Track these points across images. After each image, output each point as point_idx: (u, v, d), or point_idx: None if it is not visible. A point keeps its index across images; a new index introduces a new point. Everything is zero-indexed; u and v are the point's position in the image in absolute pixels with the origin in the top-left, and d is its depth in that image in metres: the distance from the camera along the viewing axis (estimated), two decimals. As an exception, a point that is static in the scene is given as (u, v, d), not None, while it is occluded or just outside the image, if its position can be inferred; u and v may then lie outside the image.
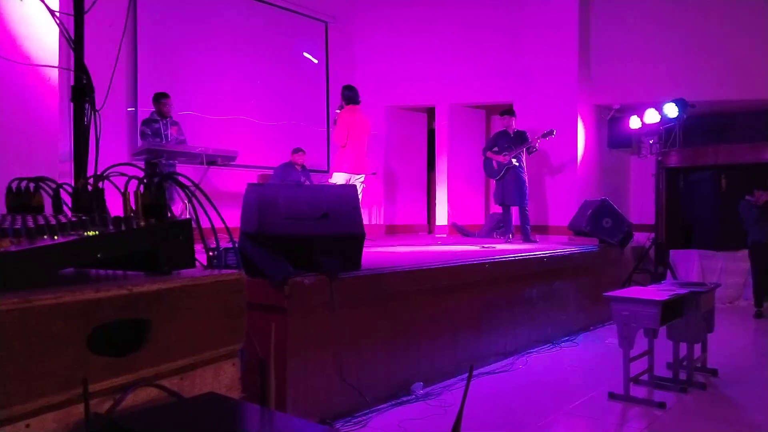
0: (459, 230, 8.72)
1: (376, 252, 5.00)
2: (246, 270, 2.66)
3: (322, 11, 9.06)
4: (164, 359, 1.26)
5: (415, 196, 10.01)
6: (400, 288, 3.59)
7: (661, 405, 3.39)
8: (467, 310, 4.17)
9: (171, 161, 6.04)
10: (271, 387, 2.62)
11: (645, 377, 3.75)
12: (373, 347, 3.43)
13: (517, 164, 7.06)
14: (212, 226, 1.57)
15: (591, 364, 4.39)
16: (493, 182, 7.94)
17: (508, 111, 7.46)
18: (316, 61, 7.64)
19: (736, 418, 3.37)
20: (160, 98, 6.38)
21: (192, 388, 1.33)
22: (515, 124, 7.33)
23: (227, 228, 1.74)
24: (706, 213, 7.42)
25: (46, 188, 1.57)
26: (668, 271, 7.06)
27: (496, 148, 7.22)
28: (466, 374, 3.81)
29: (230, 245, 1.90)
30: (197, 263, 1.49)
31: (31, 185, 1.55)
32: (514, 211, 7.29)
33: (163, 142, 6.20)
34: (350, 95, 6.52)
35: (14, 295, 1.05)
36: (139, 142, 6.34)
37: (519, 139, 7.14)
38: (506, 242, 6.89)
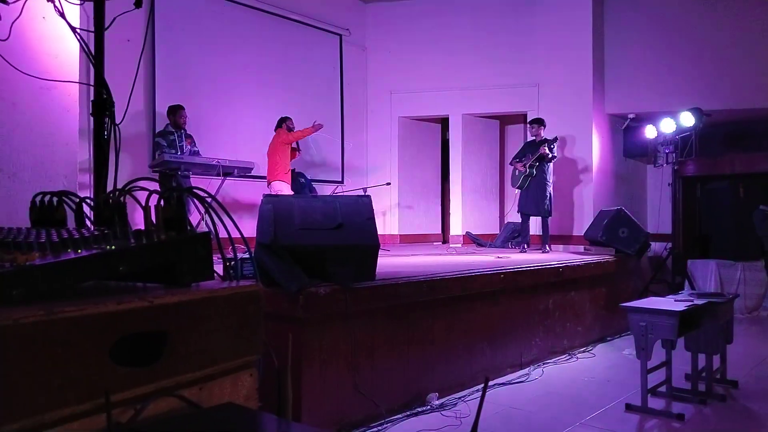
0: (473, 240, 8.70)
1: (390, 262, 5.01)
2: (262, 280, 2.69)
3: (336, 24, 9.14)
4: (184, 370, 1.28)
5: (429, 206, 10.01)
6: (414, 298, 3.60)
7: (680, 417, 3.35)
8: (482, 320, 4.17)
9: (186, 172, 6.12)
10: (288, 397, 2.63)
11: (663, 389, 3.71)
12: (388, 357, 3.44)
13: (535, 173, 7.00)
14: (230, 237, 1.60)
15: (608, 375, 4.35)
16: (507, 192, 7.93)
17: (536, 120, 7.37)
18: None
19: (758, 430, 3.32)
20: (175, 110, 6.47)
21: (210, 399, 1.34)
22: (543, 133, 7.24)
23: (244, 239, 1.76)
24: (724, 222, 7.34)
25: (69, 202, 1.61)
26: (686, 281, 6.99)
27: (524, 158, 7.18)
28: (481, 385, 3.80)
29: (247, 256, 1.92)
30: (215, 275, 1.51)
31: (54, 199, 1.59)
32: (534, 221, 7.25)
33: (179, 153, 6.28)
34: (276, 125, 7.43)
35: (39, 307, 1.08)
36: (156, 154, 6.44)
37: (538, 148, 7.09)
38: (521, 252, 6.86)
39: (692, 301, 3.73)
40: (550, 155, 7.04)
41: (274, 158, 7.17)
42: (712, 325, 3.74)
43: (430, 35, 9.27)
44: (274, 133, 7.30)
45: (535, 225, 7.46)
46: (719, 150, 8.28)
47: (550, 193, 7.06)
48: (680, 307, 3.49)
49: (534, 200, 7.00)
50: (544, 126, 7.30)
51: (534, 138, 7.24)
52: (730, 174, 7.46)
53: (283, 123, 7.31)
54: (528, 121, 7.58)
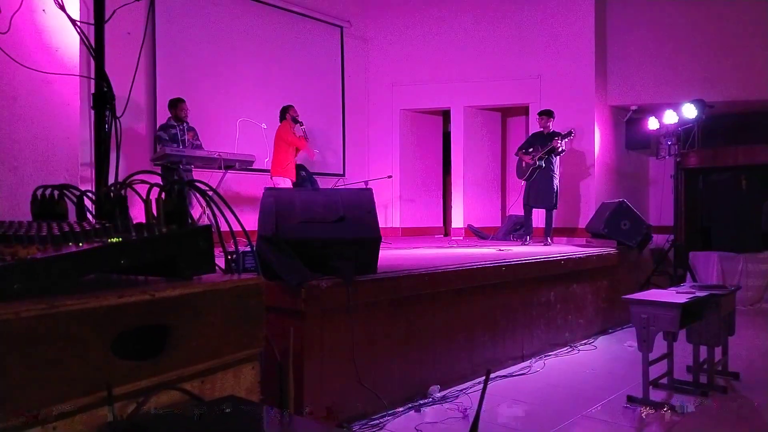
0: (475, 233, 8.69)
1: (392, 255, 5.01)
2: (263, 273, 2.69)
3: (337, 16, 9.11)
4: (186, 363, 1.28)
5: (430, 199, 10.00)
6: (416, 291, 3.60)
7: (681, 409, 3.35)
8: (484, 312, 4.17)
9: (188, 166, 6.12)
10: (289, 390, 2.64)
11: (665, 381, 3.71)
12: (390, 350, 3.44)
13: (543, 166, 6.95)
14: (231, 230, 1.60)
15: (609, 367, 4.36)
16: (509, 184, 7.90)
17: (546, 112, 7.28)
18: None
19: (759, 422, 3.32)
20: (176, 103, 6.46)
21: (212, 392, 1.35)
22: (552, 126, 7.17)
23: (245, 232, 1.76)
24: (726, 214, 7.32)
25: (70, 196, 1.61)
26: (688, 274, 6.98)
27: (531, 150, 7.13)
28: (483, 377, 3.80)
29: (248, 249, 1.92)
30: (216, 268, 1.51)
31: (56, 193, 1.59)
32: (538, 213, 7.21)
33: (181, 147, 6.27)
34: (280, 115, 7.30)
35: (41, 300, 1.08)
36: (157, 148, 6.43)
37: (548, 140, 7.04)
38: (523, 244, 6.86)
39: (694, 293, 3.72)
40: (562, 148, 6.99)
41: (275, 152, 7.13)
42: (714, 317, 3.74)
43: (431, 27, 9.23)
44: (279, 125, 7.24)
45: (537, 217, 7.43)
46: (722, 142, 8.25)
47: (556, 186, 7.03)
48: (682, 299, 3.49)
49: (541, 193, 6.95)
50: (553, 118, 7.23)
51: (542, 130, 7.18)
52: (733, 166, 7.43)
53: (287, 113, 7.20)
54: (537, 112, 7.50)
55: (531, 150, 7.11)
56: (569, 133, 7.00)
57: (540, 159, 6.93)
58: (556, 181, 7.03)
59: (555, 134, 7.06)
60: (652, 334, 3.45)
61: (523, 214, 7.38)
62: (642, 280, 6.48)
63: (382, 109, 9.58)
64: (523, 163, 7.13)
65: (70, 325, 1.09)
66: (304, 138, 7.22)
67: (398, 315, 3.51)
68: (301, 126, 7.24)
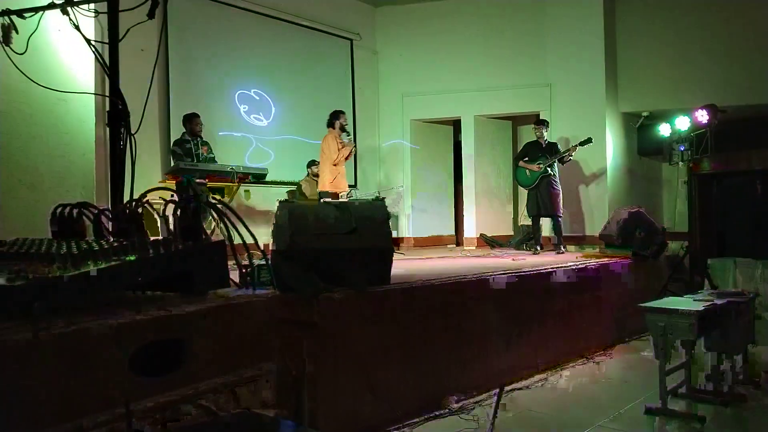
0: (488, 242, 8.66)
1: (404, 265, 5.01)
2: (278, 286, 2.70)
3: (347, 29, 9.17)
4: (202, 378, 1.29)
5: (442, 209, 9.98)
6: (429, 301, 3.59)
7: (701, 419, 3.31)
8: (498, 322, 4.15)
9: (202, 180, 6.16)
10: (304, 403, 2.64)
11: (683, 390, 3.66)
12: (403, 361, 3.43)
13: (551, 173, 7.01)
14: (244, 243, 1.61)
15: (626, 377, 4.31)
16: (521, 193, 7.85)
17: (540, 121, 7.39)
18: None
19: (780, 431, 3.27)
20: (191, 118, 6.52)
21: (228, 406, 1.36)
22: (547, 135, 7.27)
23: (258, 245, 1.78)
24: (742, 219, 7.24)
25: (88, 213, 1.63)
26: (705, 281, 6.89)
27: (526, 158, 7.17)
28: (498, 389, 3.78)
29: (263, 262, 1.94)
30: (231, 282, 1.53)
31: (74, 211, 1.62)
32: (544, 222, 7.21)
33: (195, 161, 6.33)
34: (328, 120, 6.89)
35: (60, 318, 1.10)
36: (171, 162, 6.49)
37: (551, 149, 7.10)
38: (534, 254, 6.83)
39: (711, 300, 3.68)
40: (570, 156, 7.08)
41: (321, 165, 6.86)
42: (733, 325, 3.69)
43: (440, 37, 9.26)
44: (327, 132, 6.89)
45: (546, 226, 7.42)
46: (735, 146, 8.16)
47: (561, 192, 7.07)
48: (699, 306, 3.45)
49: (549, 200, 6.98)
50: (548, 127, 7.40)
51: (537, 139, 7.24)
52: (747, 170, 7.35)
53: (336, 120, 6.77)
54: (534, 121, 7.55)
55: (527, 159, 7.16)
56: (588, 140, 7.04)
57: (549, 166, 6.98)
58: (560, 188, 7.08)
59: (553, 143, 7.20)
60: (670, 343, 3.41)
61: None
62: (657, 288, 6.41)
63: (392, 119, 9.61)
64: (528, 171, 7.16)
65: (88, 342, 1.10)
66: (351, 148, 6.90)
67: (411, 325, 3.50)
68: (348, 136, 6.88)
